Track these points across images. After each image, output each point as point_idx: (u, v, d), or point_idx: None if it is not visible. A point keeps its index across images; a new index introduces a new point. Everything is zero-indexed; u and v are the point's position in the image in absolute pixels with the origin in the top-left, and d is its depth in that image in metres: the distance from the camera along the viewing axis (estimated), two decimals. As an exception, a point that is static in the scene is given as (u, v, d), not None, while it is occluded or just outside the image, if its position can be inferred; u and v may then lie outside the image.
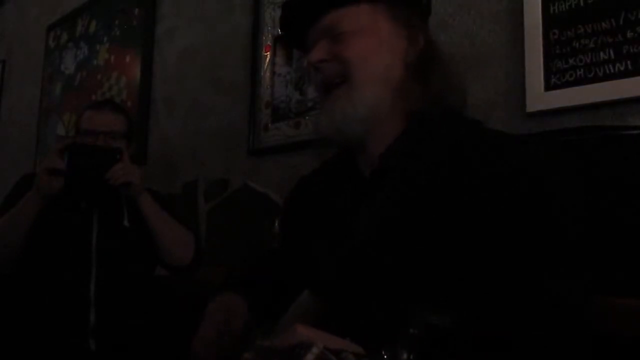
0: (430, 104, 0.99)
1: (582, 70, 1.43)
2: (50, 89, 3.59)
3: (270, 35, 2.27)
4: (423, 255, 0.88)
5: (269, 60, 2.26)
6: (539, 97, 1.48)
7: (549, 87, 1.47)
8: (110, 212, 1.83)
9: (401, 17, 1.03)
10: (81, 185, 1.78)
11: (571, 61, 1.44)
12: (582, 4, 1.44)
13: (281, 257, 1.22)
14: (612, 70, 1.39)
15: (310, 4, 1.06)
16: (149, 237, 1.80)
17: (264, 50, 2.29)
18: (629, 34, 1.37)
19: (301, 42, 1.09)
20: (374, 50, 1.00)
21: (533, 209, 0.84)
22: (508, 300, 0.82)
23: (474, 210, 0.85)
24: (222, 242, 2.14)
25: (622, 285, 1.08)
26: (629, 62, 1.36)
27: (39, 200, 1.72)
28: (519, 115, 1.52)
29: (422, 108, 0.99)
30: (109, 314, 1.76)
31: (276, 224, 1.80)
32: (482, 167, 0.88)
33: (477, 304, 0.83)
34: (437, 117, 0.98)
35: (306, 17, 1.06)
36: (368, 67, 0.99)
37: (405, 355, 0.71)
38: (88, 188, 1.81)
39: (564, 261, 0.83)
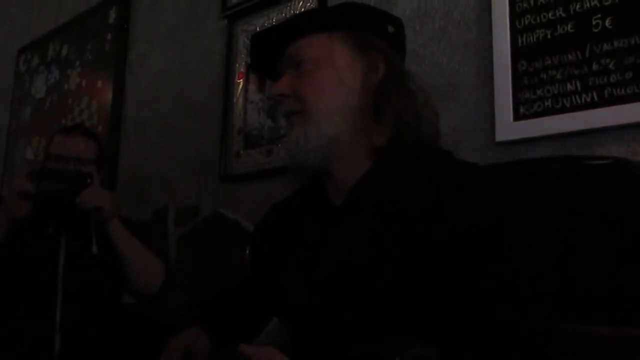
0: (398, 133, 0.98)
1: (549, 100, 1.46)
2: (19, 112, 3.54)
3: (243, 63, 2.28)
4: (390, 286, 0.88)
5: (242, 87, 2.26)
6: (508, 126, 1.51)
7: (517, 117, 1.50)
8: (78, 238, 1.80)
9: (359, 43, 1.02)
10: (50, 209, 1.76)
11: (539, 92, 1.47)
12: (549, 36, 1.48)
13: (250, 285, 1.22)
14: (578, 101, 1.42)
15: (274, 36, 1.07)
16: (117, 264, 1.77)
17: (236, 77, 2.29)
18: (595, 66, 1.40)
19: (273, 72, 1.10)
20: (329, 83, 1.00)
21: (495, 243, 0.85)
22: (471, 332, 0.83)
23: (439, 242, 0.86)
24: (192, 269, 2.12)
25: (589, 313, 1.09)
26: (594, 93, 1.39)
27: (6, 224, 1.69)
28: (489, 144, 1.54)
29: (391, 138, 0.99)
30: (74, 341, 1.72)
31: (247, 252, 1.79)
32: (449, 202, 0.88)
33: (443, 335, 0.83)
34: (407, 149, 0.98)
35: (272, 49, 1.07)
36: (323, 102, 0.99)
37: None
38: (57, 213, 1.79)
39: (526, 292, 0.85)
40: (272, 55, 1.08)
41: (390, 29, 1.06)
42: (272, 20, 2.17)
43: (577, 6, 1.44)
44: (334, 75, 1.00)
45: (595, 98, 1.39)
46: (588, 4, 1.42)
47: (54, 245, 1.79)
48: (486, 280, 0.84)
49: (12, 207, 1.67)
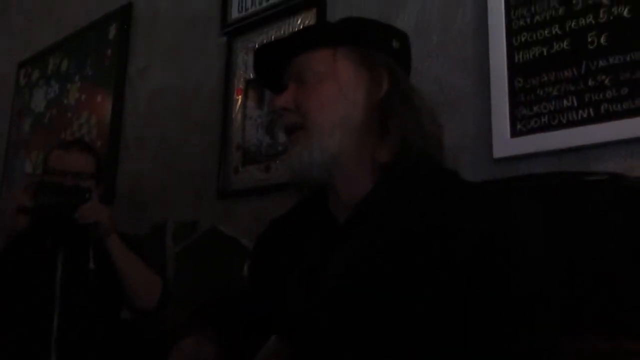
0: (402, 150, 0.98)
1: (546, 117, 1.46)
2: (19, 125, 3.55)
3: (242, 79, 2.29)
4: (393, 306, 0.88)
5: (241, 103, 2.27)
6: (506, 143, 1.51)
7: (515, 133, 1.50)
8: (75, 253, 1.80)
9: (362, 58, 1.02)
10: (48, 224, 1.76)
11: (536, 108, 1.48)
12: (545, 53, 1.49)
13: (248, 299, 1.21)
14: (575, 117, 1.42)
15: (278, 49, 1.08)
16: (114, 280, 1.77)
17: (235, 93, 2.30)
18: (590, 82, 1.41)
19: (276, 85, 1.10)
20: (332, 98, 1.00)
21: (499, 264, 0.85)
22: (475, 351, 0.83)
23: (442, 264, 0.86)
24: (190, 285, 2.11)
25: (590, 327, 1.09)
26: (591, 109, 1.40)
27: (4, 238, 1.69)
28: (487, 160, 1.54)
29: (396, 154, 0.99)
30: (71, 358, 1.71)
31: (245, 268, 1.78)
32: (452, 224, 0.88)
33: (445, 353, 0.83)
34: (412, 167, 0.98)
35: (276, 62, 1.08)
36: (325, 116, 0.99)
37: None
38: (55, 227, 1.79)
39: (531, 311, 0.84)
40: (276, 68, 1.08)
41: (395, 43, 1.05)
42: (271, 37, 2.18)
43: (573, 23, 1.45)
44: (336, 89, 1.00)
45: (592, 114, 1.40)
46: (583, 22, 1.43)
47: (52, 260, 1.79)
48: (490, 300, 0.84)
49: (10, 221, 1.67)
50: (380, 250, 0.92)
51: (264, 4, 2.25)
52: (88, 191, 1.74)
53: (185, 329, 1.13)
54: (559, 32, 1.47)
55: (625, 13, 1.38)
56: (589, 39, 1.42)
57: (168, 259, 2.27)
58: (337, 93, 1.00)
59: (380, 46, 1.04)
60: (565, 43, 1.46)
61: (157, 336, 1.83)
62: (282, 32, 2.16)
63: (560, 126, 1.44)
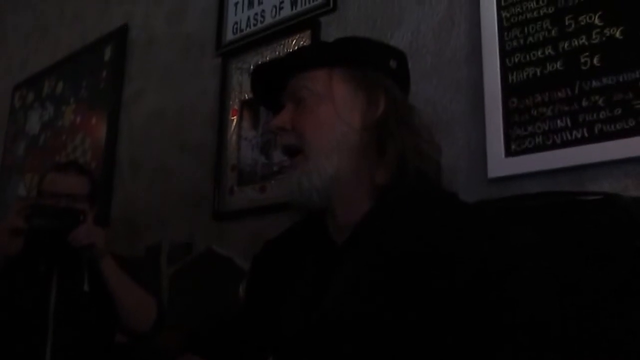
0: (400, 171, 0.97)
1: (540, 137, 1.47)
2: (13, 148, 3.55)
3: (237, 100, 2.30)
4: (390, 330, 0.87)
5: (236, 124, 2.27)
6: (500, 163, 1.52)
7: (509, 153, 1.51)
8: (70, 276, 1.78)
9: (359, 79, 1.01)
10: (42, 246, 1.75)
11: (530, 128, 1.49)
12: (538, 73, 1.50)
13: (245, 321, 1.20)
14: (569, 138, 1.43)
15: (274, 70, 1.07)
16: (109, 302, 1.75)
17: (230, 114, 2.31)
18: (584, 103, 1.42)
19: (275, 105, 1.09)
20: (328, 119, 0.99)
21: (498, 291, 0.84)
22: None
23: (440, 290, 0.85)
24: (185, 307, 2.10)
25: (589, 353, 1.08)
26: (585, 129, 1.41)
27: (-3, 261, 1.68)
28: (481, 181, 1.54)
29: (394, 175, 0.98)
30: (65, 382, 1.69)
31: (240, 290, 1.77)
32: (450, 249, 0.87)
33: None
34: (409, 189, 0.97)
35: (274, 81, 1.07)
36: (322, 138, 0.99)
37: None
38: (49, 250, 1.78)
39: (531, 337, 0.84)
40: (274, 88, 1.08)
41: (393, 63, 1.05)
42: (266, 58, 2.19)
43: (566, 44, 1.46)
44: (332, 110, 0.99)
45: (586, 134, 1.41)
46: (576, 42, 1.45)
47: (46, 283, 1.77)
48: (489, 325, 0.83)
49: (3, 244, 1.66)
50: (378, 274, 0.91)
51: (259, 26, 2.26)
52: (82, 213, 1.73)
53: (178, 356, 1.12)
54: (552, 53, 1.48)
55: (617, 34, 1.39)
56: (582, 60, 1.43)
57: (162, 280, 2.26)
58: (333, 114, 0.99)
59: (377, 66, 1.04)
60: (558, 64, 1.47)
61: (152, 359, 1.81)
62: (276, 53, 2.17)
63: (555, 146, 1.45)
